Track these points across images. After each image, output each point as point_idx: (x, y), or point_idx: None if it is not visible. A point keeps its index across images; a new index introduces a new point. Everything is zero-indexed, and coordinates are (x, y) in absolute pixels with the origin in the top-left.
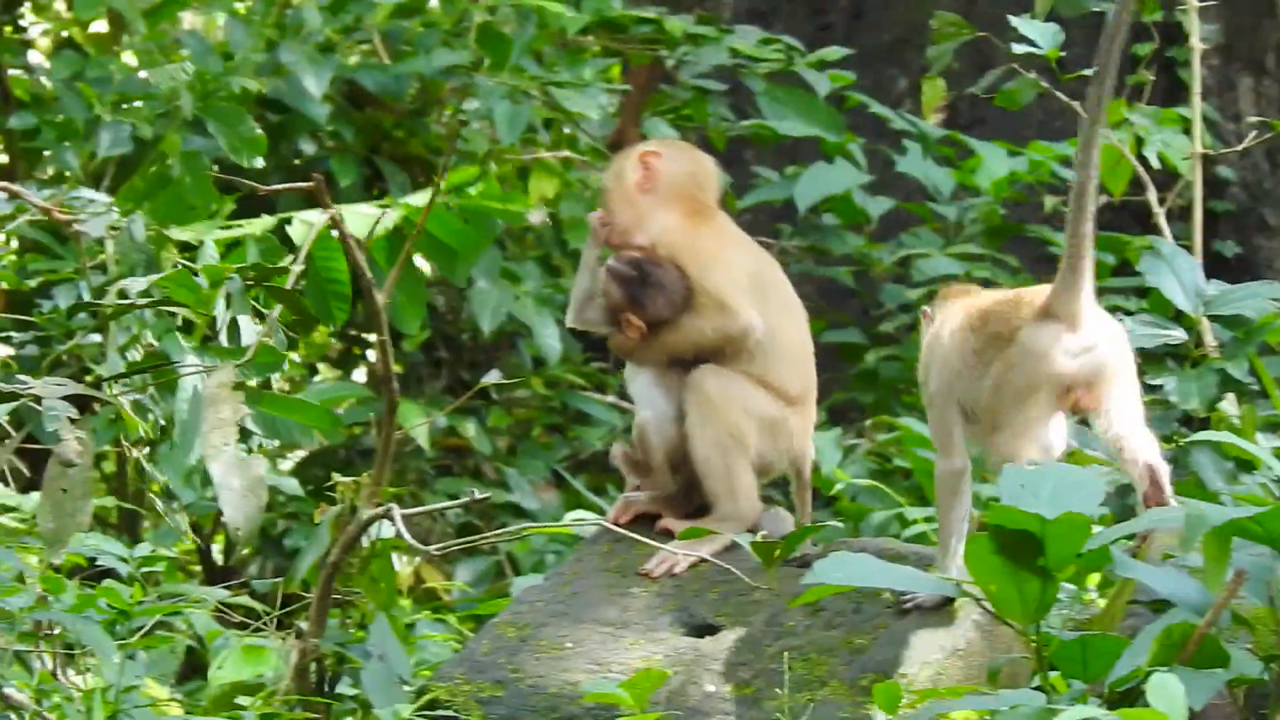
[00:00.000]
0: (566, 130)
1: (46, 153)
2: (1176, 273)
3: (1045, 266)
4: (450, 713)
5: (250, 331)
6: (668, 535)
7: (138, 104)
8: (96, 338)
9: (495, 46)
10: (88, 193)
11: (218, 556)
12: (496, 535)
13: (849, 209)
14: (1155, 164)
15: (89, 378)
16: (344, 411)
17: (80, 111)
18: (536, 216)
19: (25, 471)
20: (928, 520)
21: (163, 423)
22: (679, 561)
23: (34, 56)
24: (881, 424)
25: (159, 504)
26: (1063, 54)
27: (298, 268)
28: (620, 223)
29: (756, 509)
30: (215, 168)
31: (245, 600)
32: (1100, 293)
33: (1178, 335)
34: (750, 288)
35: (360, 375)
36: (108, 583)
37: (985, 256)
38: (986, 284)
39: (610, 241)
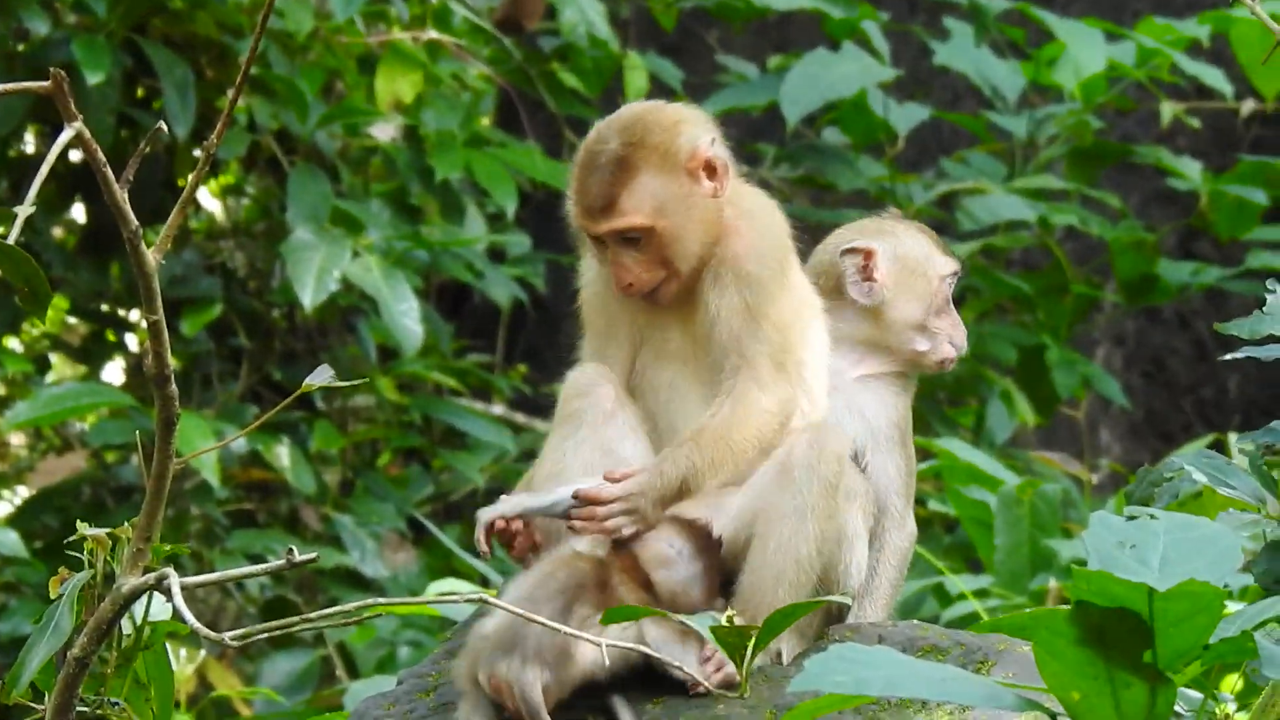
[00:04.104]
0: (433, 0)
1: None
2: None
3: (1161, 208)
4: None
5: None
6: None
7: None
8: None
9: None
10: None
11: None
12: (322, 617)
13: (863, 122)
14: None
15: None
16: (91, 429)
17: None
18: (386, 131)
19: None
20: (980, 595)
21: None
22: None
23: None
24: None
25: None
26: None
27: (26, 210)
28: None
29: None
30: None
31: None
32: (1246, 247)
33: None
34: None
35: (115, 372)
36: None
37: (1071, 193)
38: (1071, 234)
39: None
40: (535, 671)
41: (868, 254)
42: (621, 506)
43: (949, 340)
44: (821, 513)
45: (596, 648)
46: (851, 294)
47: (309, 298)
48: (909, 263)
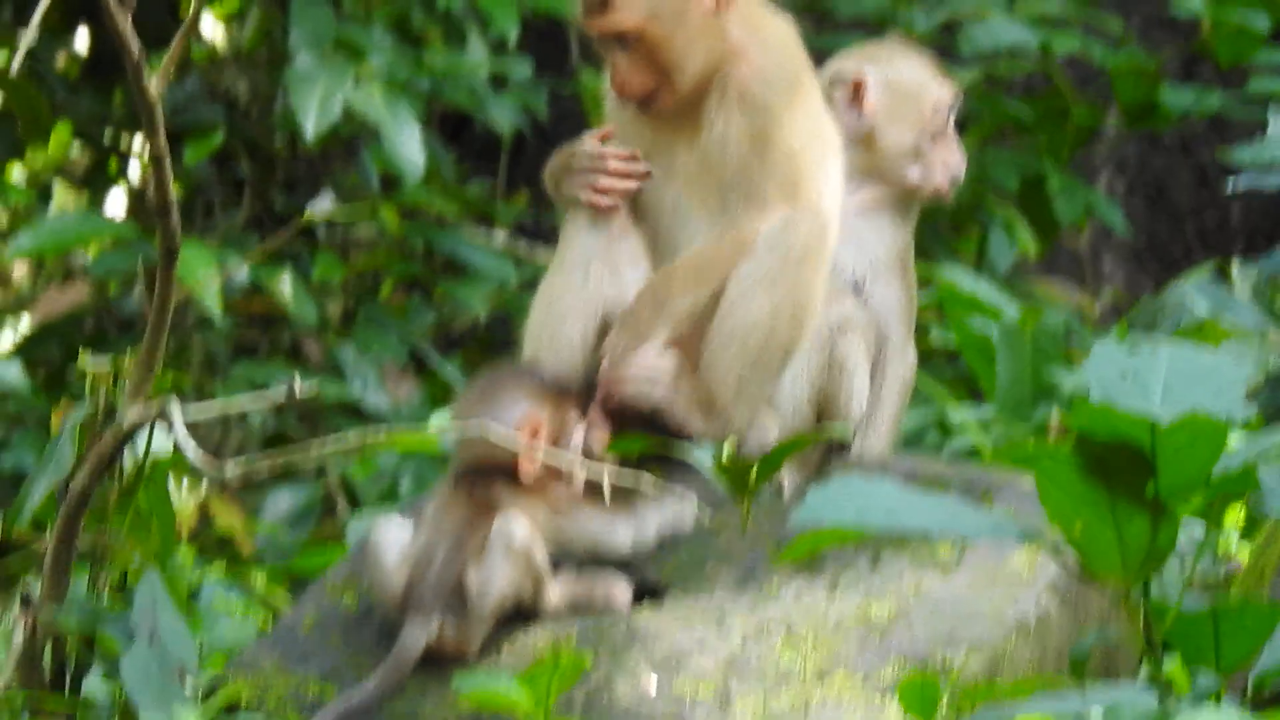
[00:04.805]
0: None
1: None
2: None
3: (1163, 33)
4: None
5: None
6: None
7: None
8: None
9: None
10: None
11: None
12: (325, 449)
13: None
14: None
15: None
16: (94, 259)
17: None
18: None
19: None
20: (984, 425)
21: None
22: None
23: None
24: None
25: None
26: None
27: (29, 40)
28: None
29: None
30: None
31: None
32: (1248, 72)
33: None
34: None
35: (117, 202)
36: None
37: (1073, 21)
38: (1073, 61)
39: None
40: (435, 622)
41: (858, 81)
42: (632, 387)
43: (944, 168)
44: (784, 283)
45: (482, 582)
46: (842, 121)
47: (311, 126)
48: (901, 89)
